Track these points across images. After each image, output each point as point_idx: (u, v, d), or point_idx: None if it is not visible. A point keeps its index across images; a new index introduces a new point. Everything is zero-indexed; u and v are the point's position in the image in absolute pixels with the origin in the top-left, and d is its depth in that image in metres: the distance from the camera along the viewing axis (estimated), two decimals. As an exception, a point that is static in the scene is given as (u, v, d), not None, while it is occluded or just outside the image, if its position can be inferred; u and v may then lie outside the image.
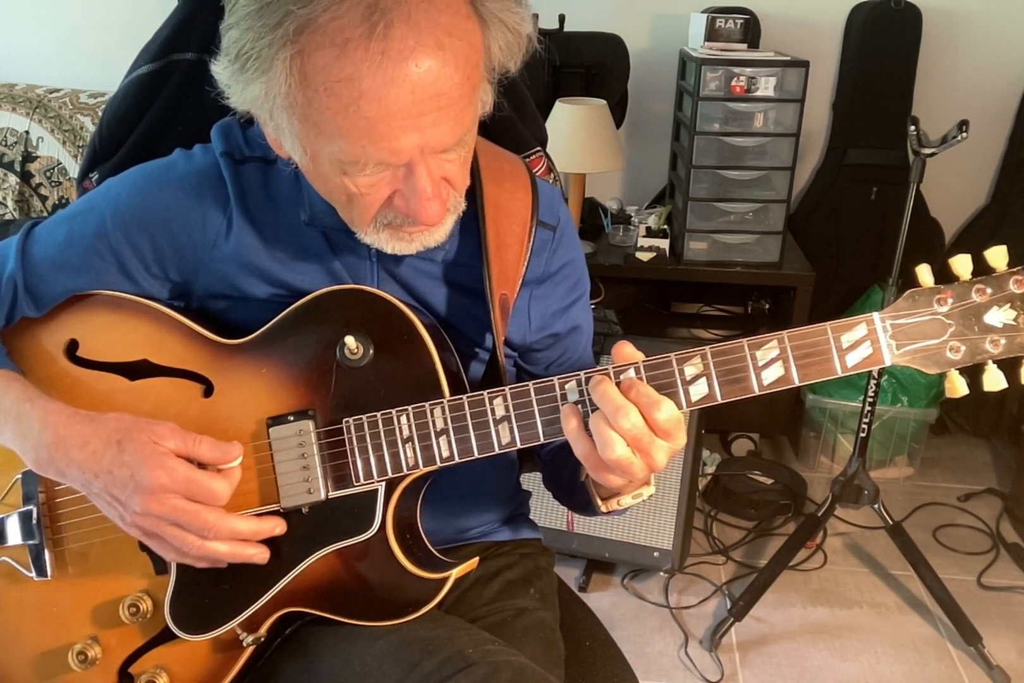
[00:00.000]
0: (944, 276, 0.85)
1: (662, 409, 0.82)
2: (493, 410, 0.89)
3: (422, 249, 0.92)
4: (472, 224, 0.98)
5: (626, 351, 0.86)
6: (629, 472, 0.83)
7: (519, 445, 0.89)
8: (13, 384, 0.97)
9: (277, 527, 0.93)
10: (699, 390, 0.85)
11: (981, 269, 0.84)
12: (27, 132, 2.43)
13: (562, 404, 0.87)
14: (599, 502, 0.96)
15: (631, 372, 0.85)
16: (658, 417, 0.82)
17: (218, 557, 0.91)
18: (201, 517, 0.88)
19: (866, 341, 0.83)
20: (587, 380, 0.87)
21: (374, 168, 0.82)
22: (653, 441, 0.82)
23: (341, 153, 0.80)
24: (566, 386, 0.87)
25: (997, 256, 0.84)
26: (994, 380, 0.84)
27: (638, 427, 0.81)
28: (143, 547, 0.95)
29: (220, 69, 0.83)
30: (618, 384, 0.84)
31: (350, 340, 0.92)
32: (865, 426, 2.13)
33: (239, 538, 0.91)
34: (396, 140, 0.79)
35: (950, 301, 0.83)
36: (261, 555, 0.92)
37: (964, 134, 1.83)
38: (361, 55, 0.74)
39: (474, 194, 0.98)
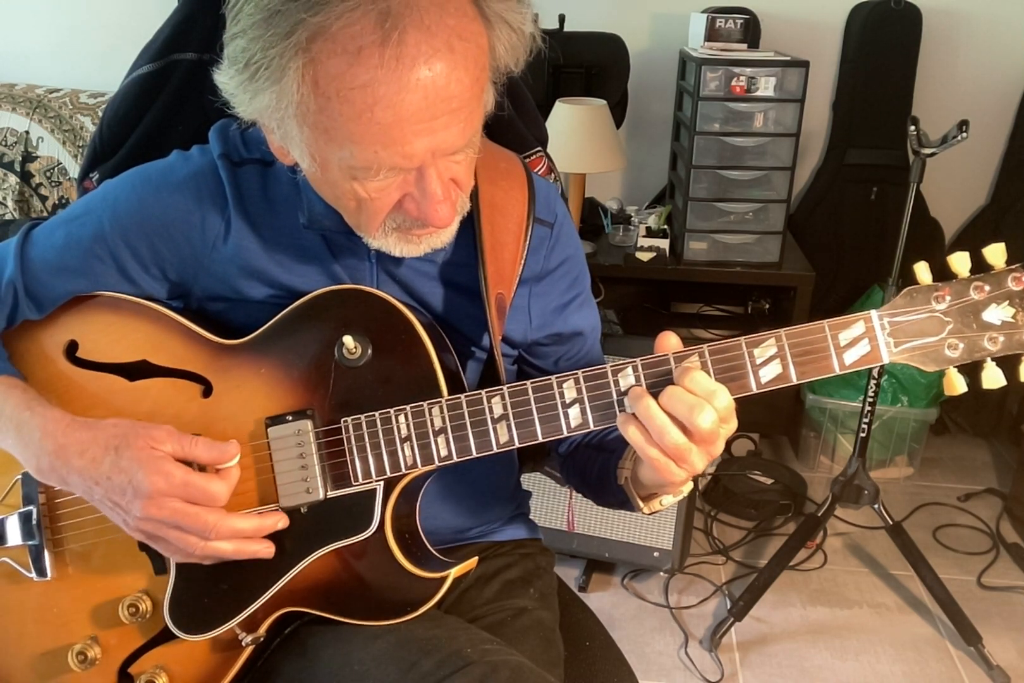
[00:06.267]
0: (943, 275, 0.84)
1: (731, 424, 0.84)
2: (491, 409, 0.89)
3: (429, 251, 0.92)
4: (469, 224, 0.98)
5: (671, 342, 0.86)
6: (689, 461, 0.83)
7: (517, 444, 0.89)
8: (13, 391, 0.97)
9: (280, 522, 0.93)
10: (697, 388, 0.85)
11: (980, 267, 0.84)
12: (27, 132, 2.43)
13: (620, 410, 0.86)
14: (641, 504, 0.97)
15: (629, 370, 0.85)
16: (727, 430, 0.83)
17: (223, 555, 0.91)
18: (201, 519, 0.88)
19: (864, 339, 0.83)
20: (585, 379, 0.87)
21: (386, 173, 0.82)
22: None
23: (352, 159, 0.80)
24: (564, 384, 0.87)
25: (995, 253, 0.83)
26: (993, 378, 0.84)
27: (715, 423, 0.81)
28: (143, 547, 0.96)
29: (226, 79, 0.82)
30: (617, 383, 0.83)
31: (348, 340, 0.92)
32: (865, 426, 2.13)
33: (241, 536, 0.91)
34: (409, 144, 0.79)
35: (948, 298, 0.83)
36: (266, 550, 0.93)
37: (964, 134, 1.83)
38: (376, 61, 0.74)
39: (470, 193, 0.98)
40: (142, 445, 0.89)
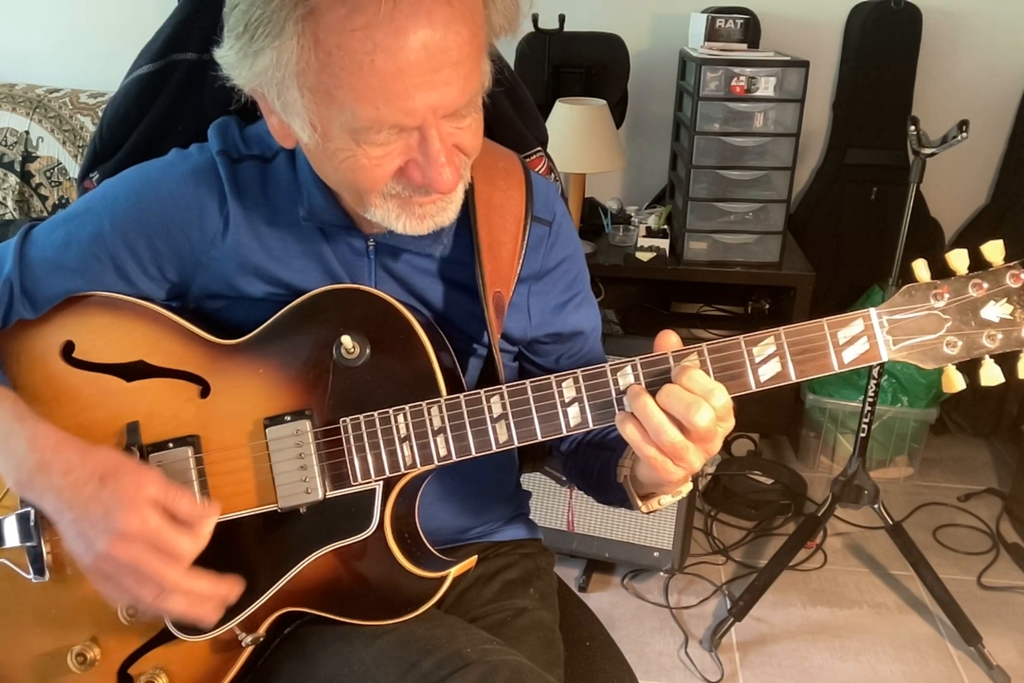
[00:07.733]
0: (943, 274, 0.84)
1: (728, 423, 0.84)
2: (490, 408, 0.89)
3: (435, 228, 0.91)
4: (466, 222, 0.98)
5: (671, 340, 0.86)
6: (686, 459, 0.83)
7: (516, 444, 0.89)
8: (4, 402, 0.96)
9: (232, 593, 0.92)
10: (696, 387, 0.85)
11: (979, 265, 0.84)
12: (27, 132, 2.43)
13: (620, 409, 0.86)
14: (639, 503, 0.97)
15: (628, 369, 0.85)
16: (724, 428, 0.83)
17: (171, 612, 0.90)
18: (160, 572, 0.87)
19: (863, 337, 0.83)
20: (584, 378, 0.87)
21: (388, 132, 0.82)
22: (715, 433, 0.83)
23: (354, 120, 0.80)
24: (563, 383, 0.87)
25: (994, 251, 0.84)
26: (991, 375, 0.84)
27: (712, 422, 0.81)
28: None
29: (225, 50, 0.83)
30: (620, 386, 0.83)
31: (346, 340, 0.92)
32: (865, 426, 2.13)
33: (195, 597, 0.89)
34: (410, 99, 0.79)
35: (947, 296, 0.83)
36: (211, 618, 0.91)
37: (964, 134, 1.82)
38: (373, 9, 0.75)
39: (467, 192, 0.98)
40: (128, 482, 0.88)
